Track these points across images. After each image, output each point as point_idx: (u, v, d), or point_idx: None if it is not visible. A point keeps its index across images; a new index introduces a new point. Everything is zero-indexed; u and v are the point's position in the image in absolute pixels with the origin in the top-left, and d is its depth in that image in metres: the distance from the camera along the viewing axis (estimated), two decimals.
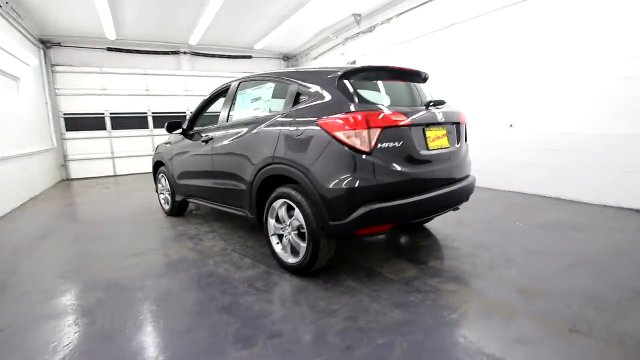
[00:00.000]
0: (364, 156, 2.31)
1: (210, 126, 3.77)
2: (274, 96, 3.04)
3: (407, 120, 2.48)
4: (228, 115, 3.48)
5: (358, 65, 2.67)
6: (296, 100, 2.76)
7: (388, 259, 3.03)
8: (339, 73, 2.57)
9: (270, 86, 3.10)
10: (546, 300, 2.24)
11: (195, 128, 4.27)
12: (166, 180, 4.66)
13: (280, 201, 2.74)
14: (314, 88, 2.65)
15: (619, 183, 4.20)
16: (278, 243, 2.89)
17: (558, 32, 4.72)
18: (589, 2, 4.39)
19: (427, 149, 2.61)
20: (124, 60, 9.55)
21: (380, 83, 2.77)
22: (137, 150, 9.86)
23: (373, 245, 3.39)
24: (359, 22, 7.94)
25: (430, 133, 2.66)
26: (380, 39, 8.02)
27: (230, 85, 3.64)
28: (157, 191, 5.15)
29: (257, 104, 3.17)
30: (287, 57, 11.75)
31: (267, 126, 2.86)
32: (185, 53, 10.15)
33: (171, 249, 3.47)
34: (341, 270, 2.80)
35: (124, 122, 9.66)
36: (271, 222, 2.88)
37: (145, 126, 9.93)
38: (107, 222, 4.63)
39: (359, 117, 2.31)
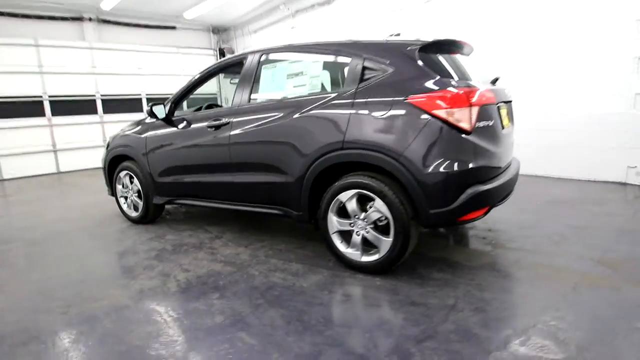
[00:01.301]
0: (465, 136, 2.37)
1: (216, 110, 3.41)
2: (326, 72, 2.89)
3: (495, 98, 2.60)
4: (250, 95, 3.19)
5: (430, 38, 2.69)
6: (362, 77, 2.67)
7: (450, 247, 3.17)
8: (418, 45, 2.56)
9: (316, 60, 2.92)
10: (631, 268, 2.61)
11: (180, 113, 3.82)
12: (135, 179, 4.08)
13: (351, 192, 2.64)
14: (388, 62, 2.59)
15: (601, 159, 5.01)
16: (342, 241, 2.79)
17: (549, 14, 5.37)
18: None
19: (503, 128, 2.78)
20: (4, 28, 7.93)
21: (446, 57, 2.83)
22: (30, 145, 8.35)
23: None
24: None
25: (502, 111, 2.83)
26: (340, 12, 8.10)
27: (245, 58, 3.33)
28: (114, 195, 4.47)
29: (298, 80, 2.97)
30: (217, 30, 11.09)
31: (325, 107, 2.72)
32: (90, 20, 8.86)
33: (185, 263, 3.09)
34: (415, 263, 2.83)
35: (9, 109, 8.07)
36: (333, 218, 2.76)
37: (41, 113, 8.45)
38: (61, 237, 3.89)
39: (461, 93, 2.35)
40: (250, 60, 3.25)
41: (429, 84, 2.42)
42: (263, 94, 3.18)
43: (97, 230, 4.17)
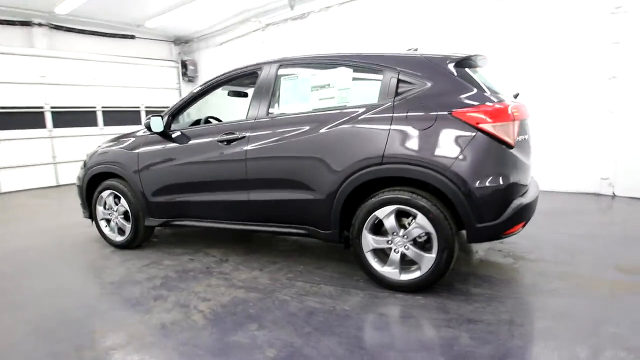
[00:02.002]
0: (509, 150, 2.41)
1: (228, 123, 3.20)
2: (356, 84, 2.81)
3: (526, 113, 2.68)
4: (268, 108, 3.03)
5: (458, 53, 2.72)
6: (396, 90, 2.63)
7: (472, 261, 3.18)
8: (455, 60, 2.59)
9: (344, 71, 2.84)
10: None
11: (177, 127, 3.55)
12: (123, 199, 3.69)
13: (390, 208, 2.56)
14: (424, 75, 2.58)
15: (576, 171, 5.39)
16: (377, 260, 2.69)
17: (523, 29, 5.75)
18: None
19: None
20: None
21: (474, 72, 2.88)
22: None
23: None
24: (292, 7, 7.87)
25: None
26: (313, 28, 8.13)
27: (259, 69, 3.16)
28: (91, 217, 4.02)
29: (325, 93, 2.86)
30: (179, 41, 10.67)
31: (359, 121, 2.64)
32: (40, 25, 8.12)
33: (200, 291, 2.80)
34: (448, 279, 2.80)
35: None
36: (368, 236, 2.66)
37: None
38: (35, 268, 3.38)
39: (504, 108, 2.39)
40: (267, 71, 3.10)
41: (471, 98, 2.45)
42: (284, 107, 3.03)
43: (76, 258, 3.70)
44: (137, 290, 2.86)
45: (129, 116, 9.65)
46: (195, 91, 3.48)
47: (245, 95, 4.33)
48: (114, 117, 9.34)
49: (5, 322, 2.50)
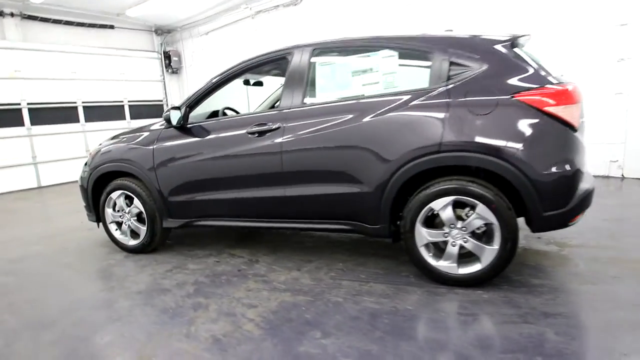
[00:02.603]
0: (575, 133, 2.29)
1: (258, 114, 2.95)
2: (402, 68, 2.62)
3: None
4: (304, 96, 2.80)
5: (510, 33, 2.56)
6: (449, 73, 2.46)
7: (518, 250, 3.08)
8: (510, 40, 2.44)
9: (388, 55, 2.64)
10: None
11: (194, 119, 3.26)
12: (136, 200, 3.39)
13: (447, 199, 2.40)
14: (478, 58, 2.42)
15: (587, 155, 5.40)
16: (432, 254, 2.54)
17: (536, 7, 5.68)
18: None
19: None
20: None
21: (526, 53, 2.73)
22: None
23: None
24: None
25: None
26: (307, 15, 7.85)
27: (289, 54, 2.92)
28: (98, 221, 3.69)
29: (368, 78, 2.66)
30: (161, 31, 10.14)
31: (412, 107, 2.45)
32: (13, 15, 7.48)
33: (241, 296, 2.58)
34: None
35: None
36: (422, 229, 2.50)
37: None
38: (43, 278, 3.06)
39: (568, 90, 2.26)
40: (299, 57, 2.86)
41: (530, 80, 2.30)
42: (322, 94, 2.81)
43: (87, 266, 3.40)
44: (170, 300, 2.61)
45: (112, 111, 9.14)
46: (214, 80, 3.20)
47: (261, 84, 4.07)
48: (96, 112, 8.81)
49: (28, 345, 2.21)
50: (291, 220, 2.92)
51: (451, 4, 6.21)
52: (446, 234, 2.47)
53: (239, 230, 3.99)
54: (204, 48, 9.85)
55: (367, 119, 2.55)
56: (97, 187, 3.63)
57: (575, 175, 2.27)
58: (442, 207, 2.43)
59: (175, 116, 3.05)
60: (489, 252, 2.38)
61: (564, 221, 2.32)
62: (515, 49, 2.44)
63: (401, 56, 2.61)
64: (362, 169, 2.58)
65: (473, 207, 2.38)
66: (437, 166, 2.41)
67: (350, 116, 2.60)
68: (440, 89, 2.43)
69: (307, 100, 2.81)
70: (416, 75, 2.61)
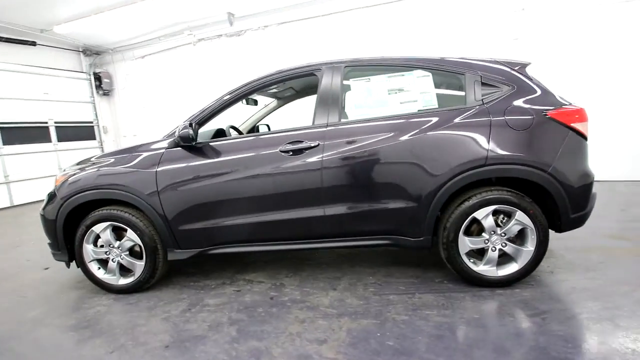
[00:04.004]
0: (586, 144, 2.25)
1: (289, 131, 2.31)
2: (438, 88, 2.29)
3: None
4: (340, 113, 2.28)
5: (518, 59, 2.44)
6: (482, 93, 2.24)
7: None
8: (525, 64, 2.33)
9: (422, 74, 2.29)
10: None
11: (201, 138, 2.48)
12: (130, 231, 2.42)
13: (489, 208, 2.15)
14: (504, 79, 2.25)
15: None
16: (472, 261, 2.26)
17: None
18: None
19: None
20: None
21: None
22: None
23: None
24: (232, 23, 6.74)
25: None
26: (249, 45, 7.15)
27: (318, 70, 2.36)
28: (70, 260, 2.57)
29: (406, 96, 2.27)
30: (89, 52, 8.25)
31: (456, 124, 2.15)
32: None
33: (298, 331, 1.93)
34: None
35: None
36: (465, 239, 2.20)
37: None
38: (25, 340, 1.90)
39: (583, 109, 2.21)
40: (331, 74, 2.34)
41: (550, 100, 2.21)
42: (358, 111, 2.32)
43: (65, 320, 2.28)
44: (216, 350, 1.82)
45: (34, 132, 7.04)
46: (226, 98, 2.46)
47: (255, 102, 3.37)
48: (16, 133, 6.67)
49: None
50: (327, 240, 2.35)
51: (381, 39, 6.23)
52: (487, 240, 2.21)
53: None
54: (139, 71, 8.31)
55: (412, 135, 2.16)
56: (70, 220, 2.52)
57: (592, 180, 2.23)
58: (485, 216, 2.17)
59: (189, 134, 2.24)
60: (526, 254, 2.19)
61: (584, 220, 2.25)
62: (528, 73, 2.33)
63: (436, 76, 2.30)
64: (409, 184, 2.18)
65: (508, 214, 2.18)
66: (482, 178, 2.15)
67: (395, 133, 2.19)
68: (480, 108, 2.18)
69: (344, 117, 2.30)
70: (450, 95, 2.32)
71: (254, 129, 3.63)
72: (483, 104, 2.20)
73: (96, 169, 2.49)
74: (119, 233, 2.50)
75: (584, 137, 2.18)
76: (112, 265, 2.51)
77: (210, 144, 2.38)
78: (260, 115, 3.82)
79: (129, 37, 7.63)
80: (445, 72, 2.31)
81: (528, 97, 2.20)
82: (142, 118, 8.60)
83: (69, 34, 7.02)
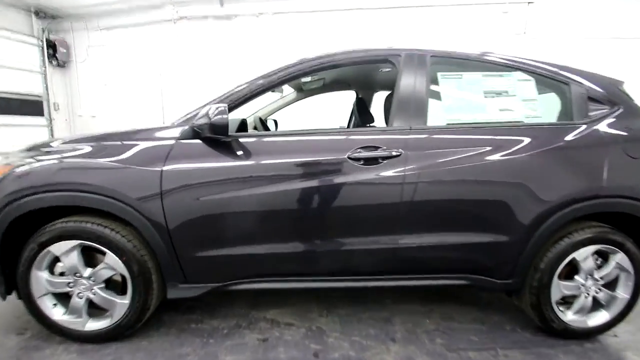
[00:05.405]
0: None
1: (357, 132, 1.63)
2: (541, 96, 1.76)
3: None
4: (426, 115, 1.65)
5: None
6: (589, 109, 1.76)
7: None
8: (622, 82, 1.89)
9: (524, 79, 1.74)
10: None
11: (248, 131, 1.70)
12: (109, 254, 1.56)
13: (591, 248, 1.68)
14: (610, 96, 1.78)
15: None
16: (562, 309, 1.77)
17: None
18: None
19: None
20: None
21: None
22: None
23: None
24: (222, 3, 5.76)
25: None
26: (238, 32, 6.21)
27: (395, 56, 1.71)
28: (9, 291, 1.62)
29: (505, 102, 1.70)
30: (44, 14, 6.63)
31: (567, 144, 1.64)
32: None
33: None
34: None
35: None
36: (560, 284, 1.70)
37: None
38: None
39: None
40: (414, 63, 1.70)
41: None
42: (448, 115, 1.70)
43: None
44: None
45: None
46: (269, 79, 1.70)
47: (281, 91, 2.61)
48: None
49: None
50: (395, 278, 1.71)
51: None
52: (582, 285, 1.73)
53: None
54: (105, 44, 6.88)
55: (518, 152, 1.61)
56: (11, 233, 1.58)
57: None
58: (585, 257, 1.70)
59: (225, 122, 1.46)
60: (620, 302, 1.75)
61: None
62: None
63: (539, 82, 1.77)
64: (509, 212, 1.63)
65: (604, 255, 1.73)
66: (592, 213, 1.66)
67: (495, 146, 1.62)
68: (591, 127, 1.70)
69: (430, 120, 1.67)
70: (551, 107, 1.81)
71: (264, 124, 2.86)
72: (592, 122, 1.72)
73: (58, 159, 1.58)
74: (91, 255, 1.62)
75: None
76: (76, 302, 1.62)
77: (244, 139, 1.61)
78: (271, 108, 3.06)
79: (95, 3, 6.25)
80: (547, 79, 1.79)
81: (635, 118, 1.76)
82: (102, 97, 7.15)
83: None
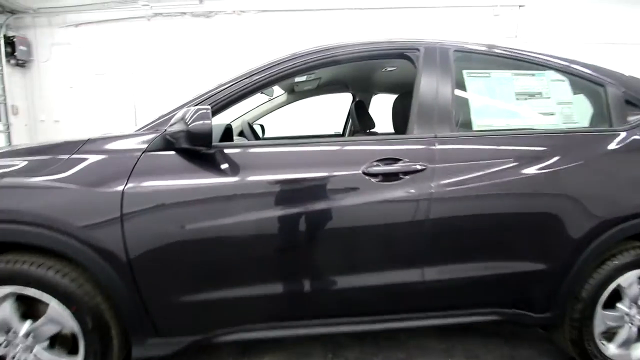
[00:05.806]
0: None
1: (373, 140, 1.33)
2: (577, 98, 1.52)
3: None
4: (454, 120, 1.36)
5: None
6: (627, 113, 1.54)
7: None
8: None
9: (557, 79, 1.50)
10: None
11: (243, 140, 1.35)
12: (52, 304, 1.17)
13: (636, 273, 1.44)
14: None
15: None
16: (604, 343, 1.52)
17: None
18: None
19: None
20: None
21: None
22: None
23: None
24: (201, 0, 5.35)
25: None
26: (220, 31, 5.82)
27: (414, 50, 1.42)
28: None
29: (539, 105, 1.45)
30: (2, 9, 5.97)
31: (612, 153, 1.41)
32: None
33: None
34: None
35: None
36: (604, 315, 1.46)
37: None
38: None
39: None
40: (436, 59, 1.41)
41: None
42: (480, 120, 1.42)
43: None
44: None
45: None
46: (259, 75, 1.37)
47: (271, 92, 2.28)
48: None
49: None
50: (415, 317, 1.40)
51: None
52: (626, 315, 1.50)
53: None
54: (71, 42, 6.29)
55: (559, 164, 1.35)
56: None
57: None
58: (631, 282, 1.46)
59: (208, 129, 1.11)
60: None
61: None
62: None
63: (574, 84, 1.53)
64: (552, 234, 1.36)
65: None
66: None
67: (534, 157, 1.36)
68: (632, 134, 1.46)
69: (457, 126, 1.39)
70: (587, 111, 1.58)
71: (254, 132, 2.50)
72: (632, 128, 1.50)
73: None
74: (29, 305, 1.22)
75: None
76: None
77: (231, 150, 1.27)
78: (259, 112, 2.72)
79: None
80: (581, 79, 1.56)
81: None
82: (67, 101, 6.52)
83: None
